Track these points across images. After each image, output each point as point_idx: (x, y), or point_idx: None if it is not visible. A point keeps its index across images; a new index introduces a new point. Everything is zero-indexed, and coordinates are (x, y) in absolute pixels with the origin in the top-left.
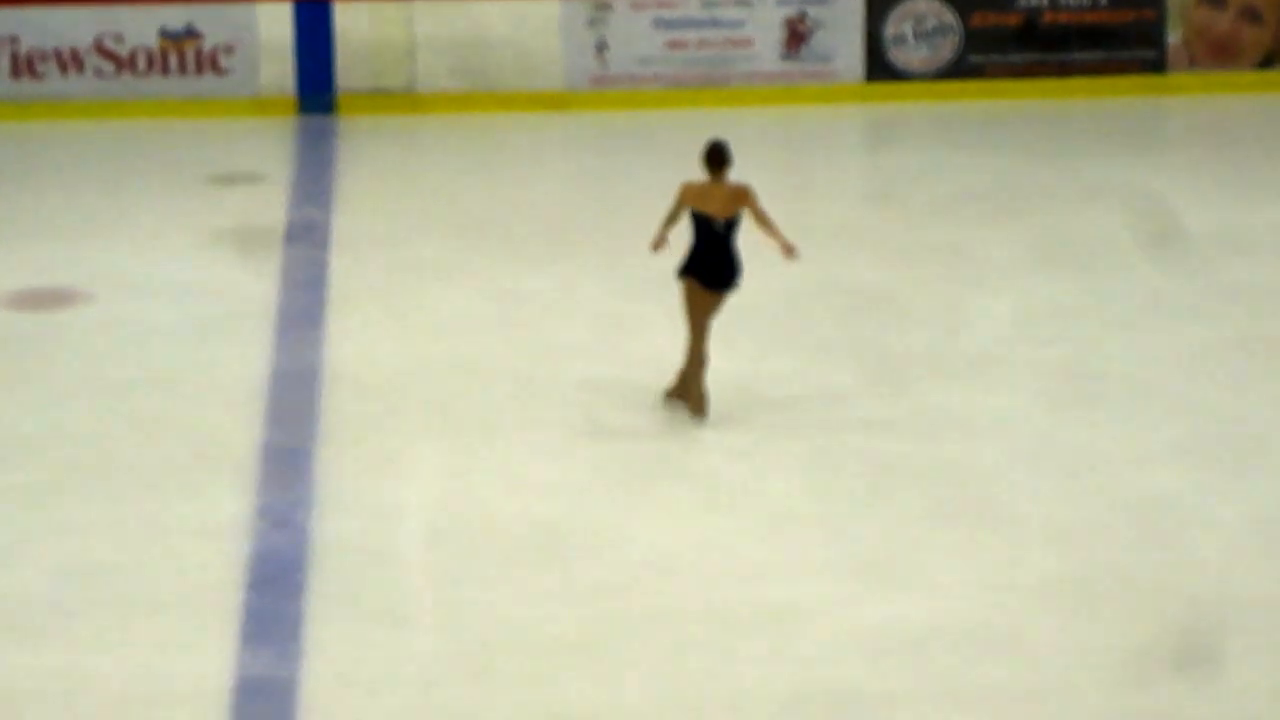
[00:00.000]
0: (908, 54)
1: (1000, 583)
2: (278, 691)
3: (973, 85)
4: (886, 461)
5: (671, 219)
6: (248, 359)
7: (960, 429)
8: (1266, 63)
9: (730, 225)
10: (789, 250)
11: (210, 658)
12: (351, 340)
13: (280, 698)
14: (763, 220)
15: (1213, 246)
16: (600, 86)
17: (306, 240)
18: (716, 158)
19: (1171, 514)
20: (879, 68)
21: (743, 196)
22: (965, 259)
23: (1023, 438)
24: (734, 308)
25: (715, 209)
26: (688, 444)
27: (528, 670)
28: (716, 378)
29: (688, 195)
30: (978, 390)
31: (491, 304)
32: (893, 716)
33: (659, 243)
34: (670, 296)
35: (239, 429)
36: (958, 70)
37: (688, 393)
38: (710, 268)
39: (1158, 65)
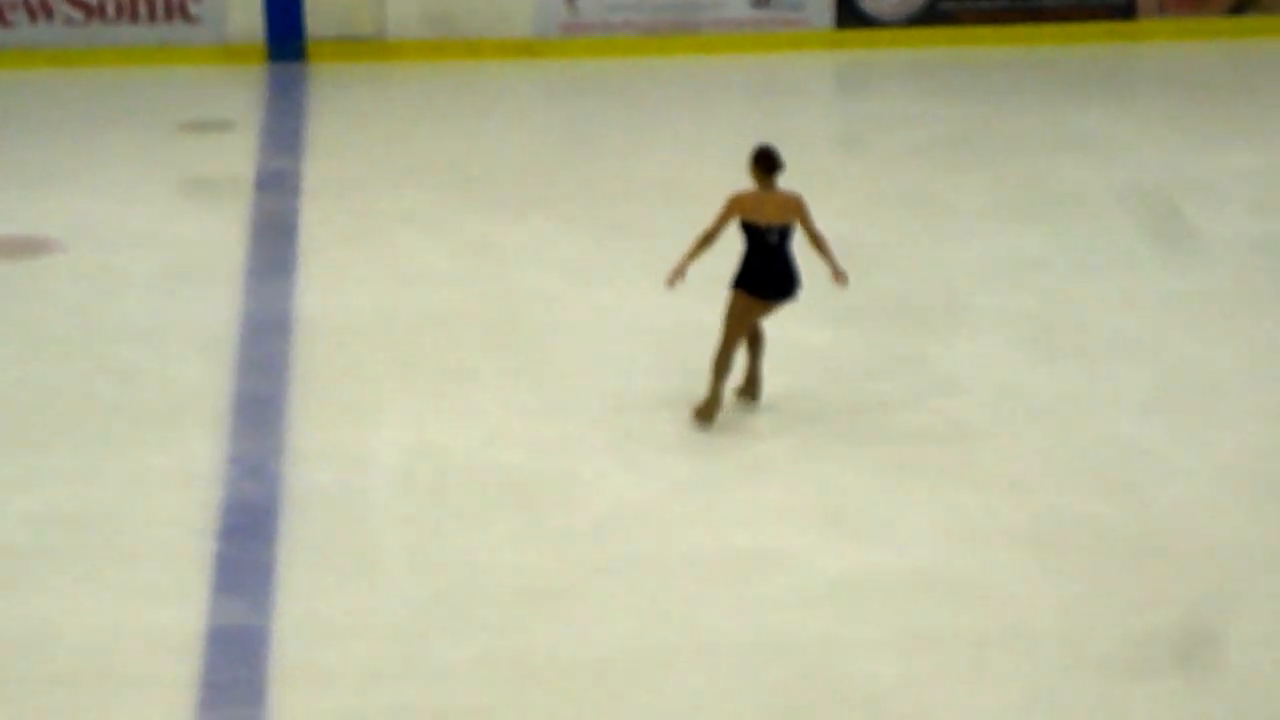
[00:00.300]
0: (878, 1)
1: (967, 530)
2: (250, 639)
3: (944, 32)
4: (855, 410)
5: (710, 238)
6: (218, 308)
7: (928, 378)
8: (1238, 9)
9: (784, 234)
10: (840, 277)
11: (183, 606)
12: (323, 289)
13: (252, 645)
14: (815, 239)
15: (1182, 195)
16: (571, 34)
17: (277, 188)
18: (770, 163)
19: (1138, 462)
20: (850, 15)
21: (795, 207)
22: (935, 207)
23: (990, 386)
24: (715, 261)
25: (769, 218)
26: (655, 393)
27: (499, 618)
28: (688, 328)
29: (738, 207)
30: (946, 339)
31: (462, 252)
32: (861, 663)
33: (678, 276)
34: (641, 247)
35: (210, 378)
36: (929, 17)
37: (750, 384)
38: (768, 280)
39: (1128, 11)
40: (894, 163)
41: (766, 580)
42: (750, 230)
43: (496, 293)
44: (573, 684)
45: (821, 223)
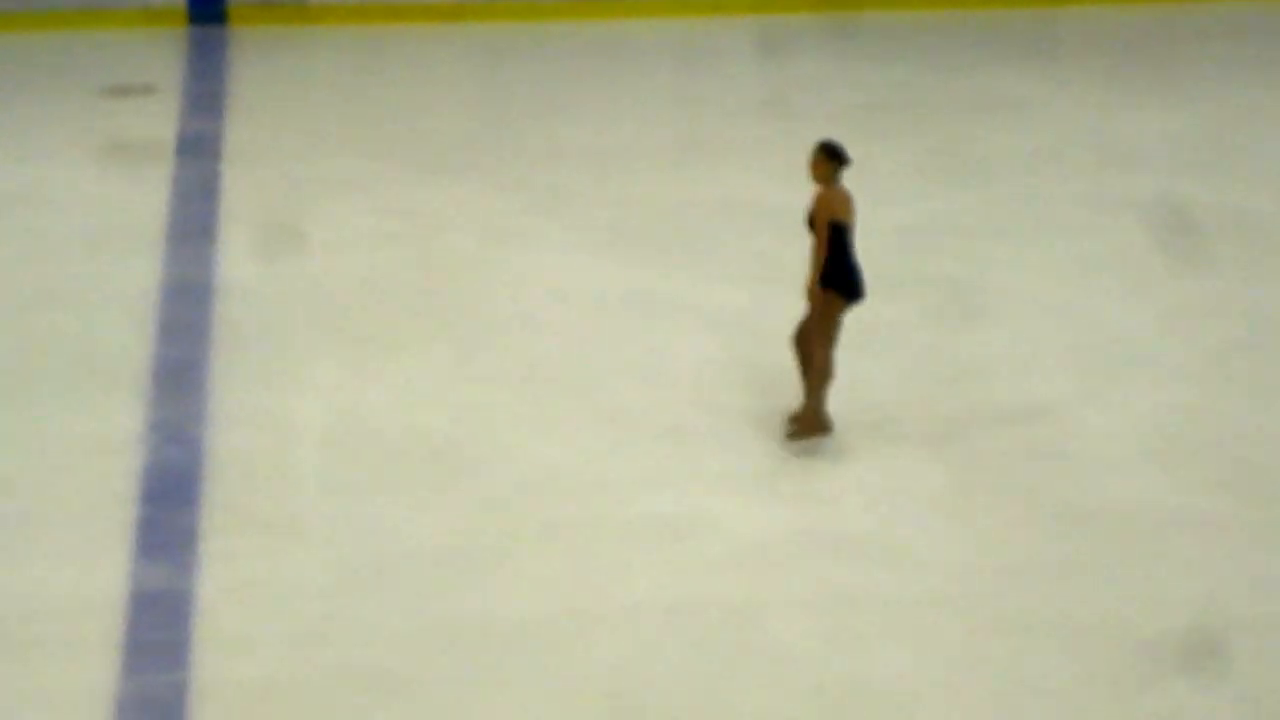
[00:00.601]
0: None
1: (885, 492)
2: (172, 604)
3: None
4: (774, 373)
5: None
6: (140, 272)
7: (849, 340)
8: None
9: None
10: (810, 293)
11: (105, 571)
12: (245, 253)
13: (175, 610)
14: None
15: (1102, 158)
16: None
17: (199, 152)
18: (843, 158)
19: (1054, 423)
20: None
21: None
22: (859, 171)
23: (909, 348)
24: (639, 226)
25: (851, 216)
26: (580, 358)
27: (422, 582)
28: (612, 294)
29: (844, 208)
30: (868, 302)
31: (386, 217)
32: (783, 624)
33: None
34: (567, 212)
35: (132, 343)
36: None
37: (811, 418)
38: (857, 281)
39: None
40: (817, 127)
41: (690, 544)
42: (839, 230)
43: (421, 258)
44: (497, 647)
45: (742, 189)
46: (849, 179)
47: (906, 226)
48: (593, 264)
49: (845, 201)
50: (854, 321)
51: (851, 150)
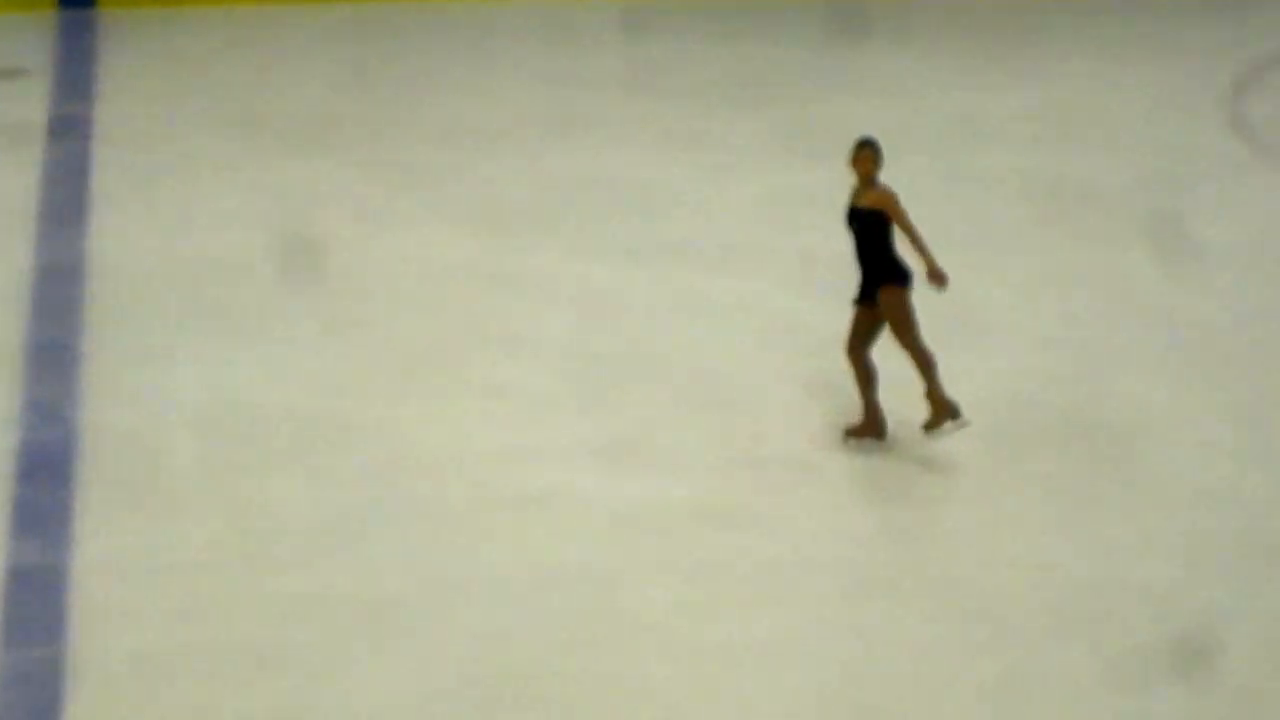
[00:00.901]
0: None
1: (742, 460)
2: (50, 578)
3: None
4: (634, 347)
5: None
6: (11, 254)
7: (707, 313)
8: None
9: None
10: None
11: None
12: (116, 234)
13: (52, 585)
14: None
15: (956, 132)
16: None
17: (69, 134)
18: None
19: (906, 389)
20: None
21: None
22: (717, 146)
23: (768, 320)
24: (506, 203)
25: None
26: (446, 334)
27: (294, 556)
28: (479, 270)
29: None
30: (726, 276)
31: (254, 196)
32: (643, 592)
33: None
34: (431, 190)
35: (5, 323)
36: None
37: (937, 405)
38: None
39: None
40: (677, 103)
41: (556, 514)
42: (888, 222)
43: (290, 236)
44: (368, 618)
45: (607, 166)
46: (709, 151)
47: (764, 199)
48: (459, 240)
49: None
50: (713, 292)
51: (710, 125)
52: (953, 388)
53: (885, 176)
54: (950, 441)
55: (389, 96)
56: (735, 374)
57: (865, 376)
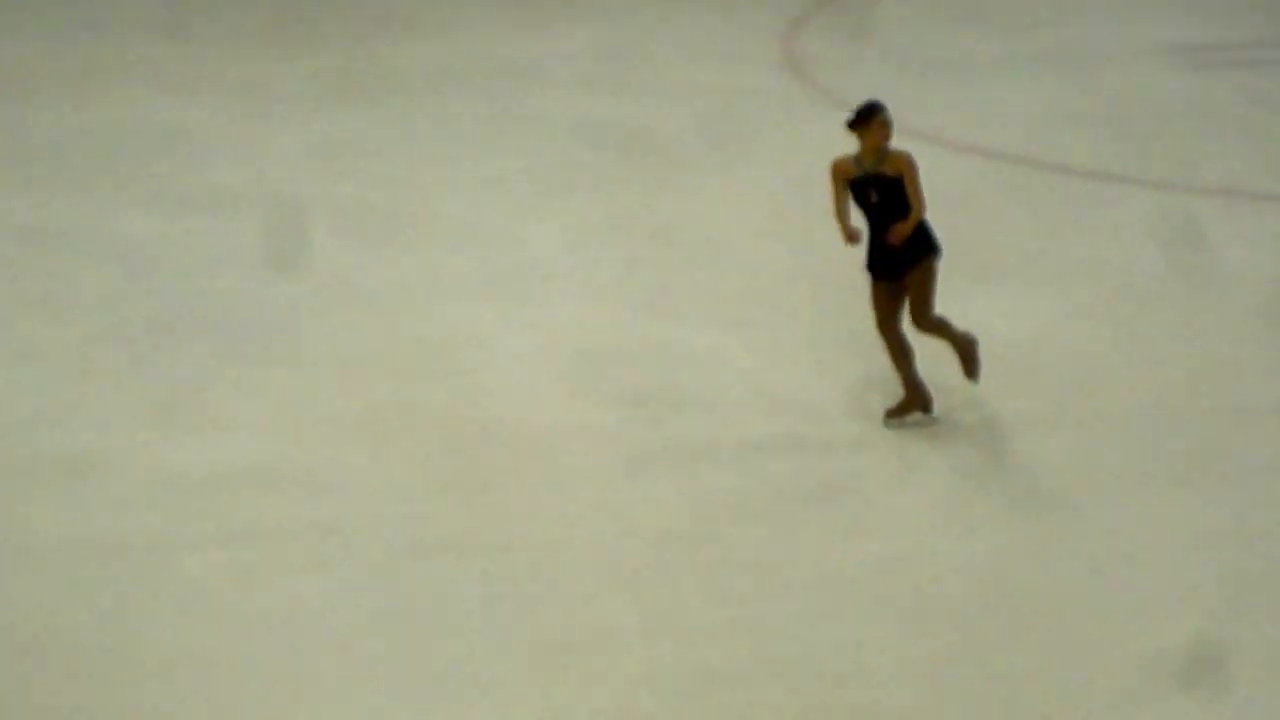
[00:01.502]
0: None
1: (296, 420)
2: None
3: None
4: (180, 303)
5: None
6: None
7: (257, 267)
8: None
9: None
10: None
11: None
12: None
13: None
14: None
15: (507, 76)
16: None
17: None
18: None
19: (462, 346)
20: None
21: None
22: (261, 94)
23: (318, 274)
24: (38, 154)
25: None
26: None
27: None
28: (7, 225)
29: None
30: (277, 226)
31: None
32: (190, 559)
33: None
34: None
35: None
36: None
37: (966, 360)
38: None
39: None
40: (214, 49)
41: (92, 481)
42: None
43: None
44: None
45: (145, 113)
46: (254, 98)
47: (313, 148)
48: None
49: None
50: (260, 244)
51: (252, 72)
52: (504, 338)
53: (444, 118)
54: (503, 399)
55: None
56: (285, 329)
57: (901, 352)
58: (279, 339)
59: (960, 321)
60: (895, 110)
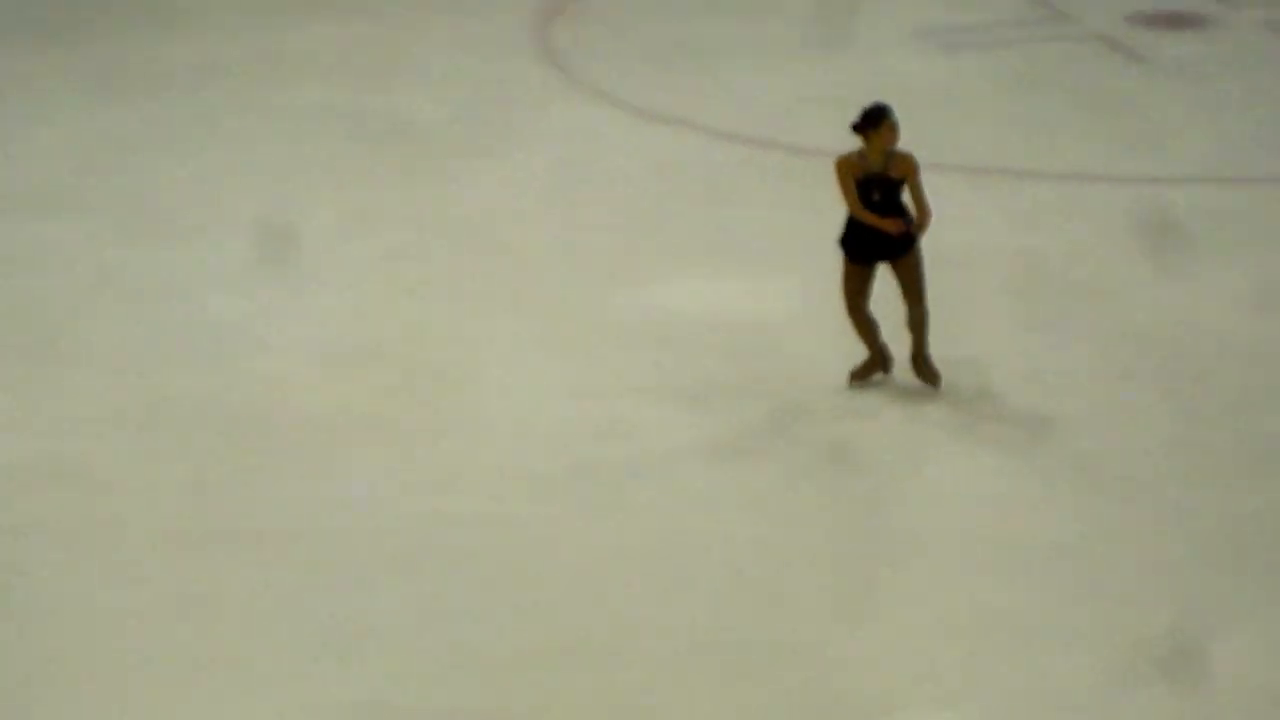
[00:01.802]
0: None
1: (67, 416)
2: None
3: None
4: None
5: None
6: None
7: (20, 263)
8: None
9: None
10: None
11: None
12: None
13: None
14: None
15: (271, 68)
16: None
17: None
18: None
19: (234, 338)
20: None
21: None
22: (21, 88)
23: (88, 269)
24: None
25: None
26: None
27: None
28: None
29: None
30: (40, 223)
31: None
32: None
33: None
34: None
35: None
36: None
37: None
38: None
39: None
40: None
41: None
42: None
43: None
44: None
45: None
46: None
47: (73, 144)
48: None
49: None
50: (28, 240)
51: (13, 68)
52: (271, 332)
53: (206, 112)
54: (272, 387)
55: None
56: (50, 325)
57: (870, 327)
58: (48, 335)
59: (701, 302)
60: (643, 97)
